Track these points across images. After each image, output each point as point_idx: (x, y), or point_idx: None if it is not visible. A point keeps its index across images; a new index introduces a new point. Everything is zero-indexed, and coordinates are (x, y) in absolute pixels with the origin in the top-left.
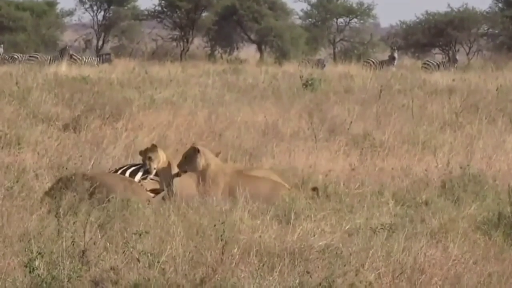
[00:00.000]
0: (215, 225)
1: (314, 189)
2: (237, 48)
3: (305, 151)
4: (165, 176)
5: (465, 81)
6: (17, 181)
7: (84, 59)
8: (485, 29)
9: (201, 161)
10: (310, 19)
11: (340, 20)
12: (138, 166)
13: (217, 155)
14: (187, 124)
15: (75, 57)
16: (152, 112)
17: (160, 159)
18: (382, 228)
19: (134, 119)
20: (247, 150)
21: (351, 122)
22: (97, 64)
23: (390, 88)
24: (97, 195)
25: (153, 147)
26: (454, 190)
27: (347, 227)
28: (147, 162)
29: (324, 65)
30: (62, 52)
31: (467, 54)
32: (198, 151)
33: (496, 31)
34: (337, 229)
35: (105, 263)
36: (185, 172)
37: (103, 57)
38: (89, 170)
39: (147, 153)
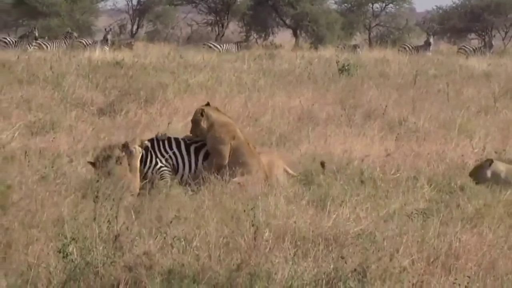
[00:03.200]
0: (244, 211)
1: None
2: (272, 33)
3: (341, 136)
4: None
5: (501, 66)
6: (52, 166)
7: (222, 47)
8: None
9: (204, 124)
10: (345, 4)
11: (376, 5)
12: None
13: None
14: (223, 109)
15: (212, 45)
16: (187, 97)
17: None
18: (417, 214)
19: (169, 104)
20: (283, 135)
21: (386, 106)
22: (235, 51)
23: (425, 73)
24: None
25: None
26: None
27: (382, 213)
28: None
29: (359, 52)
30: (105, 37)
31: (503, 39)
32: (202, 113)
33: None
34: (372, 214)
35: (138, 249)
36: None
37: (241, 44)
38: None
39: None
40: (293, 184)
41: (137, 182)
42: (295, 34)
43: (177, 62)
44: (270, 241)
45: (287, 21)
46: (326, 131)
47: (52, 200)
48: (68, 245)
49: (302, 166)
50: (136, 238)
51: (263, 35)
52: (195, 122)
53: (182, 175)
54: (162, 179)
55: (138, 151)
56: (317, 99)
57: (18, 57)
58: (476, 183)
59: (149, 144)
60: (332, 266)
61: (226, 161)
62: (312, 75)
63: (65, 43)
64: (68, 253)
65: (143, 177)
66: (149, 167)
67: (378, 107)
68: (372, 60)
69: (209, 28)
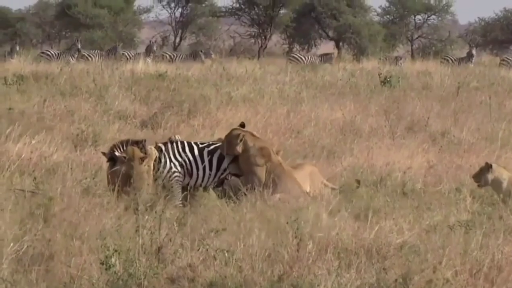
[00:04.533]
0: (287, 222)
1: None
2: (315, 45)
3: (384, 149)
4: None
5: None
6: (94, 179)
7: (307, 59)
8: None
9: (239, 148)
10: (388, 16)
11: (418, 17)
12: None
13: (277, 153)
14: (265, 121)
15: (296, 57)
16: (229, 109)
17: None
18: (459, 225)
19: (212, 116)
20: (326, 148)
21: (428, 118)
22: (319, 63)
23: (468, 85)
24: None
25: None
26: None
27: (424, 225)
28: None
29: (401, 63)
30: (148, 48)
31: None
32: (239, 137)
33: None
34: (414, 226)
35: (181, 261)
36: (228, 155)
37: (325, 57)
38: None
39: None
40: (335, 196)
41: (150, 182)
42: (337, 46)
43: (219, 74)
44: (313, 252)
45: (330, 33)
46: (369, 143)
47: (95, 212)
48: (111, 257)
49: (344, 178)
50: (179, 250)
51: (305, 47)
52: (231, 144)
53: (196, 180)
54: (173, 185)
55: (153, 152)
56: (359, 111)
57: (60, 69)
58: (478, 186)
59: (163, 147)
60: (374, 278)
61: (263, 182)
62: (354, 87)
63: (109, 55)
64: (111, 265)
65: (155, 179)
66: (162, 171)
67: (420, 119)
68: (414, 72)
69: (252, 40)
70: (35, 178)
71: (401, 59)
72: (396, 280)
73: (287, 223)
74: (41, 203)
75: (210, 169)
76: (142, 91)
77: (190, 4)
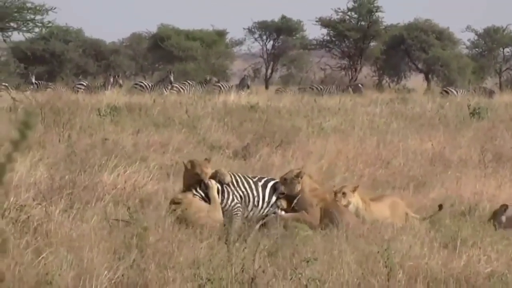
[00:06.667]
0: (378, 252)
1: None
2: (405, 77)
3: (472, 179)
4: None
5: None
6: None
7: (458, 92)
8: None
9: (298, 187)
10: (476, 49)
11: (507, 49)
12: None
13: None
14: (355, 151)
15: (448, 91)
16: (320, 140)
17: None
18: None
19: (303, 147)
20: (415, 178)
21: None
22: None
23: None
24: None
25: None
26: None
27: None
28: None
29: (492, 96)
30: (242, 81)
31: None
32: (300, 177)
33: None
34: (503, 255)
35: None
36: (283, 194)
37: (490, 91)
38: None
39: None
40: (425, 226)
41: (217, 213)
42: (426, 78)
43: (311, 106)
44: (403, 281)
45: (419, 65)
46: (458, 174)
47: (189, 242)
48: (204, 286)
49: (433, 208)
50: (272, 279)
51: (395, 79)
52: (291, 183)
53: (249, 213)
54: (234, 216)
55: (213, 183)
56: (448, 142)
57: (154, 101)
58: (495, 228)
59: (229, 180)
60: None
61: (318, 222)
62: (443, 119)
63: (201, 87)
64: None
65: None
66: (226, 203)
67: (509, 150)
68: (502, 103)
69: (343, 72)
70: (129, 208)
71: (495, 92)
72: None
73: (378, 252)
74: (135, 233)
75: (263, 203)
76: (235, 122)
77: (281, 37)
